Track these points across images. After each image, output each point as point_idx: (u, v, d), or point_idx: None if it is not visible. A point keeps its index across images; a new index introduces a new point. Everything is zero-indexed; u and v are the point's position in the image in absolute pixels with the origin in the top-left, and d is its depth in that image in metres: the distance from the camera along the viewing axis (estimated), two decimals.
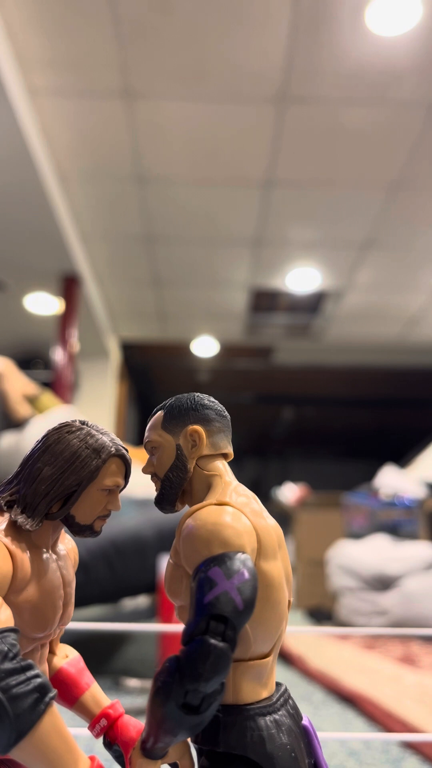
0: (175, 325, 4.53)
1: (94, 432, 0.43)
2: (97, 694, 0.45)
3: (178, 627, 0.44)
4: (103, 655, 1.77)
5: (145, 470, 0.44)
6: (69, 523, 0.42)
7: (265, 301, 4.07)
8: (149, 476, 0.44)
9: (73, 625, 0.64)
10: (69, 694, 0.45)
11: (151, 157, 2.64)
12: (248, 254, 3.45)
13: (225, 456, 0.44)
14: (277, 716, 0.38)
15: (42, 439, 0.43)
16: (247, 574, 0.35)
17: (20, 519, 0.40)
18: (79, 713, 0.45)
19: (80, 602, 1.27)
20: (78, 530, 0.42)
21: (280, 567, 0.39)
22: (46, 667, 0.44)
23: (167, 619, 1.21)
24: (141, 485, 0.79)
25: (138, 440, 2.03)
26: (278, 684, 0.41)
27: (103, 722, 0.44)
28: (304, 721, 0.40)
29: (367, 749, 1.00)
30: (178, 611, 0.41)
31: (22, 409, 1.78)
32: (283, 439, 7.69)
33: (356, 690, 1.36)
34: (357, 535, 3.03)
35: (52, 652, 0.46)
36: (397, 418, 6.59)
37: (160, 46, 2.07)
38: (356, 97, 2.28)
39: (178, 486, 0.43)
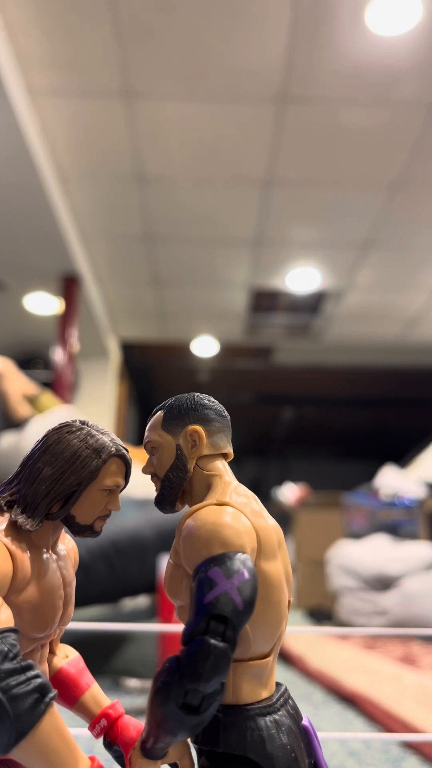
0: (175, 325, 4.53)
1: (94, 432, 0.43)
2: (97, 695, 0.45)
3: (178, 627, 0.44)
4: (103, 655, 1.77)
5: (145, 470, 0.44)
6: (69, 523, 0.42)
7: (265, 301, 4.08)
8: (149, 476, 0.44)
9: (73, 625, 0.64)
10: (69, 694, 0.45)
11: (151, 157, 2.64)
12: (248, 254, 3.45)
13: (225, 456, 0.44)
14: (277, 716, 0.38)
15: (42, 439, 0.43)
16: (247, 574, 0.35)
17: (20, 519, 0.40)
18: (79, 713, 0.45)
19: (80, 602, 1.27)
20: (78, 530, 0.42)
21: (280, 567, 0.39)
22: (46, 667, 0.44)
23: (167, 619, 1.20)
24: (141, 485, 0.80)
25: (138, 440, 2.03)
26: (278, 684, 0.41)
27: (103, 722, 0.44)
28: (304, 722, 0.40)
29: (367, 749, 1.00)
30: (178, 611, 0.41)
31: (22, 409, 1.78)
32: (283, 439, 7.69)
33: (356, 690, 1.36)
34: (357, 535, 3.03)
35: (52, 652, 0.46)
36: (396, 418, 6.59)
37: (160, 46, 2.07)
38: (356, 97, 2.28)
39: (178, 486, 0.43)
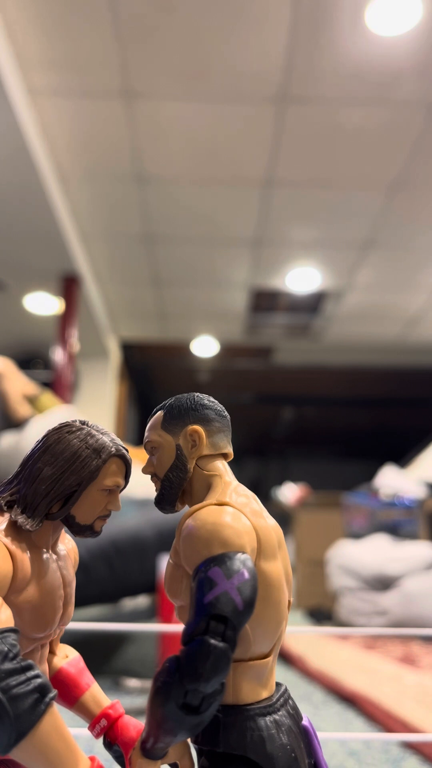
0: (175, 325, 4.53)
1: (94, 432, 0.43)
2: (97, 695, 0.45)
3: (178, 627, 0.44)
4: (103, 655, 1.77)
5: (145, 470, 0.44)
6: (69, 523, 0.42)
7: (265, 301, 4.08)
8: (149, 476, 0.44)
9: (73, 625, 0.64)
10: (69, 694, 0.45)
11: (151, 157, 2.64)
12: (248, 254, 3.45)
13: (225, 456, 0.44)
14: (277, 716, 0.38)
15: (42, 439, 0.43)
16: (247, 574, 0.34)
17: (20, 519, 0.40)
18: (79, 713, 0.45)
19: (80, 602, 1.27)
20: (78, 530, 0.42)
21: (280, 567, 0.39)
22: (46, 667, 0.44)
23: (167, 619, 1.20)
24: (141, 485, 0.80)
25: (138, 440, 2.03)
26: (278, 684, 0.41)
27: (103, 722, 0.44)
28: (304, 722, 0.40)
29: (367, 749, 1.00)
30: (178, 611, 0.41)
31: (22, 409, 1.78)
32: (283, 439, 7.69)
33: (356, 690, 1.36)
34: (357, 535, 3.03)
35: (52, 652, 0.46)
36: (396, 418, 6.59)
37: (160, 46, 2.07)
38: (356, 97, 2.28)
39: (178, 486, 0.43)
